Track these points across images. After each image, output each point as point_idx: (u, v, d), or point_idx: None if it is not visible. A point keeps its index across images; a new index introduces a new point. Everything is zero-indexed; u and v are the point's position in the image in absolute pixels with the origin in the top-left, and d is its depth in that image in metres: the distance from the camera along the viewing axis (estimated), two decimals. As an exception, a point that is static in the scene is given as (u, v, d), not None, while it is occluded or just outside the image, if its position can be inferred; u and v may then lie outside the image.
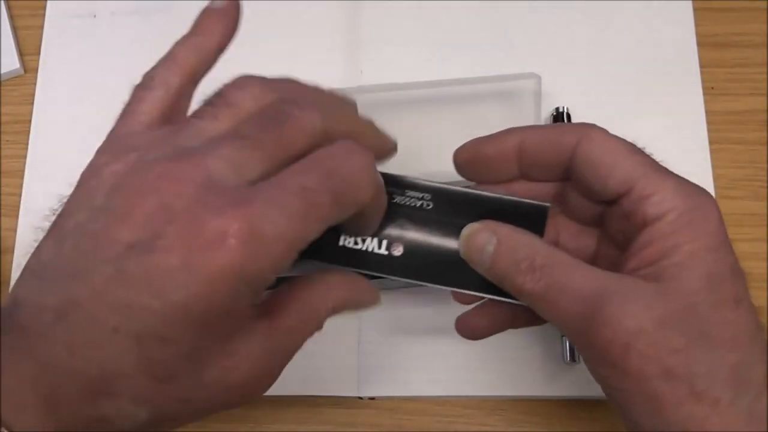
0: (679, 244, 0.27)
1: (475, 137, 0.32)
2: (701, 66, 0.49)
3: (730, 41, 0.50)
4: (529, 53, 0.50)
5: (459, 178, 0.34)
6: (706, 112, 0.48)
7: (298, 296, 0.28)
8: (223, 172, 0.24)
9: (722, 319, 0.27)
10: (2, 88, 0.52)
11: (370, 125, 0.30)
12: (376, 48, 0.51)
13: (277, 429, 0.44)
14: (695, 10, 0.50)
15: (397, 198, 0.31)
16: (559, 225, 0.33)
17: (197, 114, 0.27)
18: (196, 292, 0.22)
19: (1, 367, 0.23)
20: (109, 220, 0.24)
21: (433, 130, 0.46)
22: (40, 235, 0.26)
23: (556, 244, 0.32)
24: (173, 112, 0.28)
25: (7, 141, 0.51)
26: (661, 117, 0.48)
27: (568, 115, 0.47)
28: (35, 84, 0.52)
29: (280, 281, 0.27)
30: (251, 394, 0.27)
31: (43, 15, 0.53)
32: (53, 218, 0.26)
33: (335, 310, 0.29)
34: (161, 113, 0.27)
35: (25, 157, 0.50)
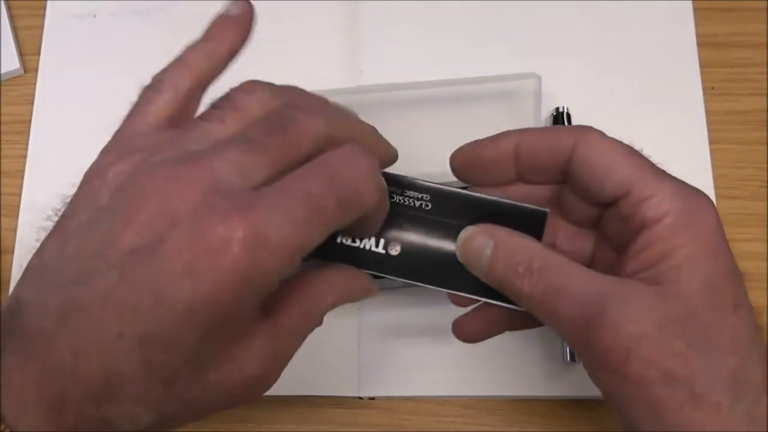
0: (677, 246, 0.27)
1: (472, 140, 0.32)
2: (701, 66, 0.49)
3: (730, 41, 0.50)
4: (529, 53, 0.50)
5: (458, 178, 0.34)
6: (706, 112, 0.48)
7: (299, 295, 0.28)
8: (228, 176, 0.24)
9: (722, 322, 0.26)
10: (2, 88, 0.52)
11: (372, 131, 0.30)
12: (376, 48, 0.51)
13: (277, 429, 0.44)
14: (695, 10, 0.50)
15: (396, 197, 0.31)
16: (555, 227, 0.32)
17: (204, 117, 0.27)
18: (199, 297, 0.22)
19: (3, 367, 0.23)
20: (113, 222, 0.24)
21: (433, 130, 0.46)
22: (42, 235, 0.26)
23: (552, 246, 0.32)
24: (181, 115, 0.27)
25: (7, 141, 0.51)
26: (661, 117, 0.48)
27: (568, 115, 0.47)
28: (35, 84, 0.52)
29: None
30: (254, 393, 0.27)
31: (43, 15, 0.53)
32: (56, 218, 0.26)
33: (334, 305, 0.29)
34: (169, 115, 0.27)
35: (25, 157, 0.50)
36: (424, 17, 0.51)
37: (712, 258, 0.27)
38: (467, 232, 0.30)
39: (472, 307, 0.33)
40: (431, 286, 0.31)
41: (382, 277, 0.31)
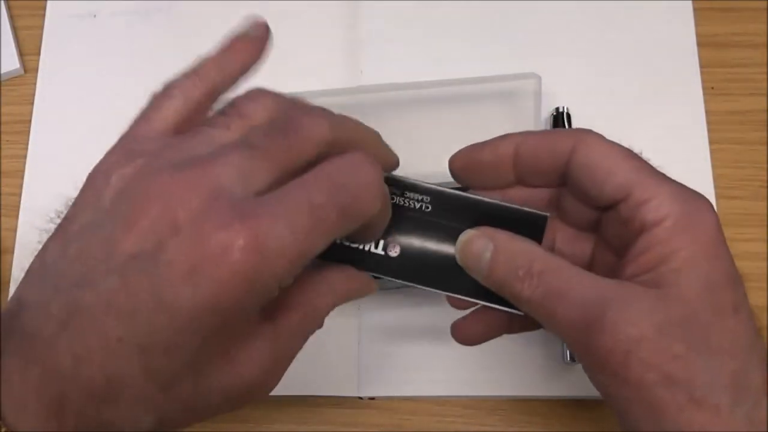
0: (677, 249, 0.27)
1: (470, 144, 0.32)
2: (701, 66, 0.49)
3: (730, 41, 0.50)
4: (529, 53, 0.50)
5: (458, 178, 0.34)
6: (706, 112, 0.48)
7: (300, 298, 0.28)
8: (231, 182, 0.24)
9: (722, 326, 0.26)
10: (2, 88, 0.52)
11: (376, 137, 0.30)
12: (376, 48, 0.51)
13: (277, 429, 0.44)
14: (695, 10, 0.50)
15: (397, 199, 0.31)
16: (554, 230, 0.32)
17: (209, 123, 0.27)
18: (199, 304, 0.22)
19: (4, 369, 0.23)
20: (115, 226, 0.24)
21: (433, 130, 0.46)
22: (44, 237, 0.26)
23: (551, 249, 0.32)
24: (188, 124, 0.27)
25: (7, 141, 0.51)
26: (661, 117, 0.48)
27: (568, 115, 0.47)
28: (35, 84, 0.52)
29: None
30: (255, 396, 0.27)
31: (43, 15, 0.53)
32: (58, 220, 0.26)
33: (335, 305, 0.29)
34: (177, 122, 0.27)
35: (25, 157, 0.50)
36: (424, 17, 0.51)
37: (712, 261, 0.27)
38: (467, 235, 0.30)
39: (470, 310, 0.33)
40: (430, 289, 0.31)
41: (380, 278, 0.31)
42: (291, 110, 0.27)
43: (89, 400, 0.23)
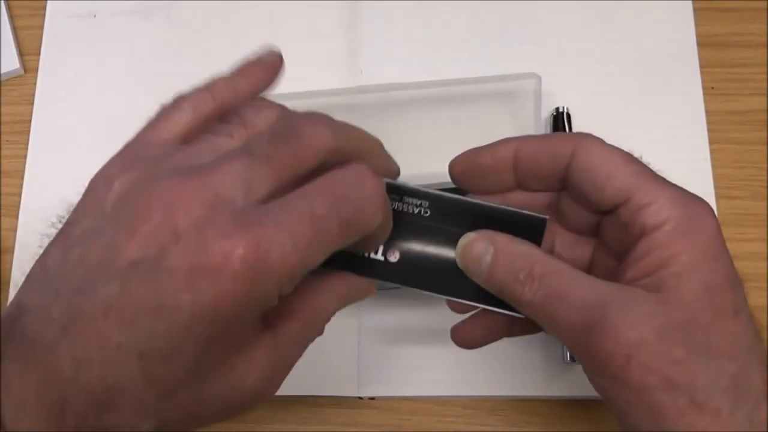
0: (677, 253, 0.27)
1: (470, 148, 0.32)
2: (701, 66, 0.49)
3: (730, 41, 0.50)
4: (529, 53, 0.50)
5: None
6: (706, 112, 0.48)
7: (300, 305, 0.28)
8: (232, 190, 0.24)
9: (722, 329, 0.27)
10: (2, 88, 0.52)
11: (378, 145, 0.30)
12: (376, 48, 0.51)
13: (277, 429, 0.44)
14: (695, 10, 0.50)
15: (396, 204, 0.31)
16: (553, 234, 0.32)
17: (213, 131, 0.27)
18: (199, 312, 0.23)
19: (4, 373, 0.23)
20: (116, 232, 0.24)
21: (433, 130, 0.46)
22: (46, 242, 0.26)
23: (551, 253, 0.32)
24: (195, 136, 0.27)
25: (7, 141, 0.51)
26: (661, 117, 0.48)
27: (568, 115, 0.47)
28: (35, 84, 0.52)
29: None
30: (254, 403, 0.27)
31: (43, 15, 0.53)
32: (60, 225, 0.26)
33: (335, 312, 0.29)
34: (184, 133, 0.27)
35: (25, 157, 0.50)
36: (424, 17, 0.51)
37: (712, 265, 0.27)
38: (467, 238, 0.30)
39: (470, 313, 0.33)
40: (430, 293, 0.31)
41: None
42: (293, 118, 0.27)
43: (89, 404, 0.23)
